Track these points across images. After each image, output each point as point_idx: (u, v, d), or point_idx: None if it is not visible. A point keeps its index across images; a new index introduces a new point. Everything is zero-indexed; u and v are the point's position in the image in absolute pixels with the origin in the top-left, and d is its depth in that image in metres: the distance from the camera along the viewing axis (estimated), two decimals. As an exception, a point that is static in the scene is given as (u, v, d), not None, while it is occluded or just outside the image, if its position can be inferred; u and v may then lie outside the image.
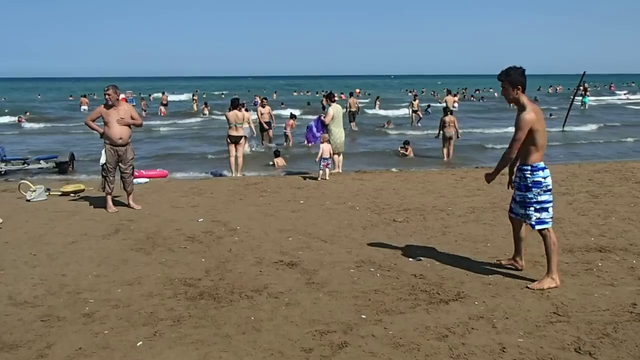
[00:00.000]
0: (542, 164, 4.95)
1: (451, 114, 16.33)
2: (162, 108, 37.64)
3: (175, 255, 6.21)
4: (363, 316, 4.47)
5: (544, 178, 4.94)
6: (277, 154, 15.58)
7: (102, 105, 8.50)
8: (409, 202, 8.86)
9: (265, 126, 19.20)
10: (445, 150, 16.20)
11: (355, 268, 5.67)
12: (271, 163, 15.37)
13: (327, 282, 5.28)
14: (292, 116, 21.54)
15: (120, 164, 8.53)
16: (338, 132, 12.51)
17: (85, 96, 44.83)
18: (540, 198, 4.94)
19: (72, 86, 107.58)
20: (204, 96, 49.44)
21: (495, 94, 53.93)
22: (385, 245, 6.47)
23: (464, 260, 5.86)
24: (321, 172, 11.59)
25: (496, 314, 4.47)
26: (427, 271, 5.53)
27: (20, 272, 5.69)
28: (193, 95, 48.39)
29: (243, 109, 13.08)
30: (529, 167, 4.93)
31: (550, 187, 4.98)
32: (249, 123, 13.56)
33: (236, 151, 12.80)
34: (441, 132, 16.02)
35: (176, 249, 6.42)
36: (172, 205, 8.86)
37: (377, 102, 37.87)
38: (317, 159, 11.80)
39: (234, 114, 12.65)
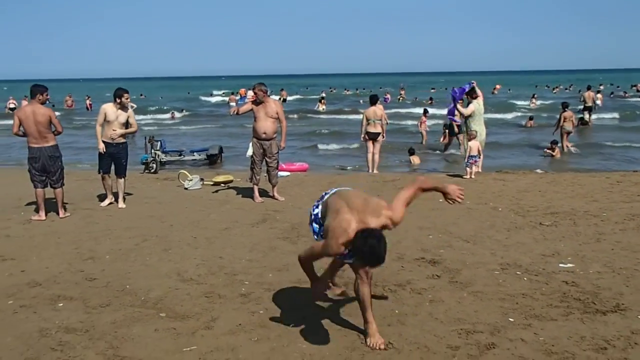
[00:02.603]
0: None
1: (591, 111, 15.64)
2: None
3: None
4: (511, 319, 4.40)
5: None
6: (412, 152, 15.50)
7: (250, 102, 9.04)
8: (557, 205, 8.46)
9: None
10: (564, 144, 16.19)
11: (500, 270, 5.57)
12: (407, 161, 15.38)
13: (470, 282, 5.25)
14: (425, 112, 21.16)
15: (266, 157, 8.99)
16: (480, 130, 12.23)
17: (233, 93, 47.56)
18: None
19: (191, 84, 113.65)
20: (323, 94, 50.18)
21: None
22: (531, 249, 6.26)
23: (622, 270, 5.51)
24: (468, 170, 11.40)
25: (664, 331, 4.18)
26: (580, 279, 5.28)
27: (185, 253, 6.27)
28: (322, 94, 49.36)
29: (380, 106, 13.07)
30: None
31: None
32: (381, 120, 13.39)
33: (373, 147, 12.83)
34: (559, 127, 16.24)
35: (311, 243, 6.67)
36: (313, 198, 9.07)
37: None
38: (465, 158, 11.66)
39: (372, 111, 12.65)
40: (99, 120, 8.57)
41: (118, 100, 8.47)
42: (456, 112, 12.63)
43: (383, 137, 12.94)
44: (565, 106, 17.00)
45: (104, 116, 8.48)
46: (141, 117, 31.09)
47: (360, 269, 4.02)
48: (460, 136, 15.11)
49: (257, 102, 8.83)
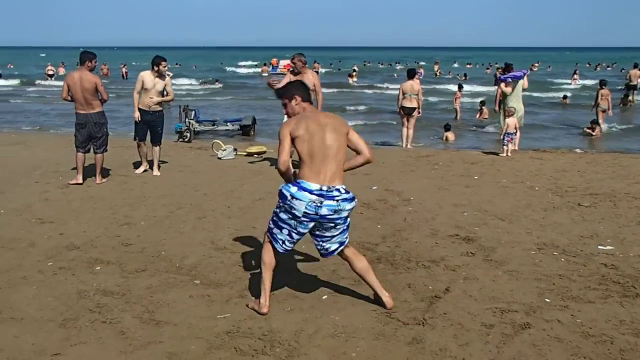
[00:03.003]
0: None
1: (635, 90, 15.13)
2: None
3: (352, 219, 6.42)
4: (547, 300, 4.33)
5: None
6: (447, 128, 15.28)
7: (290, 73, 8.98)
8: (597, 187, 8.26)
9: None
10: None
11: (536, 250, 5.49)
12: (442, 137, 15.20)
13: (506, 261, 5.18)
14: (460, 87, 20.73)
15: None
16: (518, 107, 12.03)
17: (265, 64, 47.52)
18: None
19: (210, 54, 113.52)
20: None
21: None
22: (569, 230, 6.14)
23: (665, 254, 5.37)
24: (505, 147, 11.22)
25: None
26: (620, 262, 5.15)
27: (219, 221, 6.32)
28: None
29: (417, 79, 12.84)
30: None
31: None
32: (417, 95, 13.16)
33: (407, 122, 12.68)
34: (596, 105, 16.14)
35: (353, 215, 6.63)
36: (347, 172, 9.14)
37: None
38: (501, 134, 11.48)
39: (409, 84, 12.45)
40: (136, 87, 8.60)
41: (156, 68, 8.49)
42: (498, 91, 12.47)
43: (419, 112, 12.76)
44: (602, 84, 16.62)
45: (142, 84, 8.51)
46: (175, 85, 31.30)
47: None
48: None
49: (294, 72, 8.79)
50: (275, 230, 4.02)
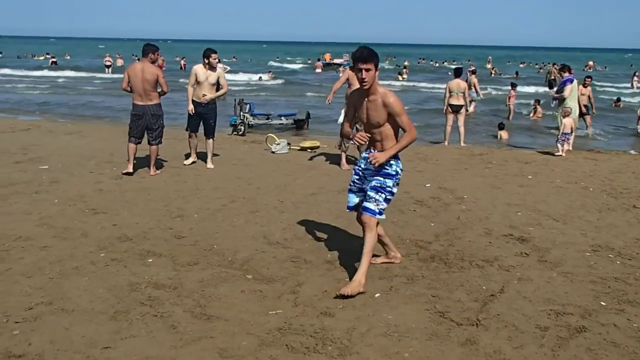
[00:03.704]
0: None
1: None
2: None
3: (405, 216, 6.43)
4: (602, 303, 4.24)
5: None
6: (501, 127, 15.12)
7: (348, 69, 9.00)
8: (653, 189, 8.05)
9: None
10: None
11: (591, 252, 5.38)
12: (496, 135, 15.00)
13: (560, 262, 5.09)
14: (513, 86, 20.28)
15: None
16: (574, 106, 11.85)
17: (319, 59, 47.76)
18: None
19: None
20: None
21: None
22: (624, 232, 6.02)
23: None
24: (560, 146, 11.07)
25: None
26: (680, 267, 5.02)
27: (271, 216, 6.37)
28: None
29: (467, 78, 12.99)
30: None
31: None
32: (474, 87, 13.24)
33: (456, 120, 12.75)
34: None
35: (406, 211, 6.63)
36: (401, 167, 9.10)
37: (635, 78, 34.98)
38: (558, 134, 11.33)
39: (456, 83, 12.65)
40: (190, 81, 8.78)
41: (206, 61, 8.64)
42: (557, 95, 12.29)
43: (467, 110, 12.95)
44: None
45: (195, 77, 8.68)
46: (231, 78, 31.85)
47: None
48: (587, 117, 14.97)
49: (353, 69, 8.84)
50: (386, 206, 4.50)
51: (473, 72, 20.11)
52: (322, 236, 5.67)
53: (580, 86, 14.14)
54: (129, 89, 8.18)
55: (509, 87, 20.15)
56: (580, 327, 3.85)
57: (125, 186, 7.61)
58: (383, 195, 4.46)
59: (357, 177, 4.69)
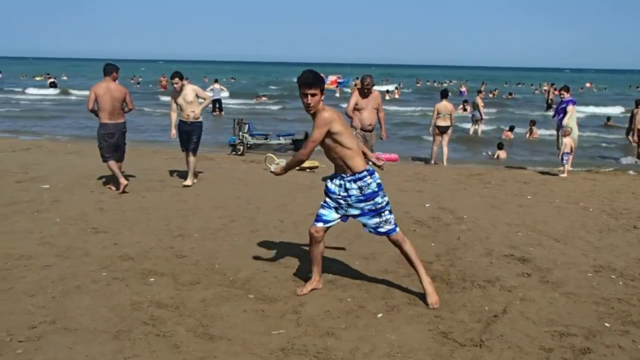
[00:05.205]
0: None
1: None
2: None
3: (405, 236, 6.41)
4: (606, 324, 4.23)
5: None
6: (500, 146, 15.27)
7: (357, 91, 9.04)
8: (653, 209, 8.11)
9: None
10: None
11: (593, 272, 5.38)
12: (492, 154, 15.11)
13: (562, 282, 5.09)
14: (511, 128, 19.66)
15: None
16: (574, 127, 11.97)
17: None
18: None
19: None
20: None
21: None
22: (626, 252, 6.04)
23: None
24: (564, 167, 11.25)
25: None
26: (679, 286, 5.04)
27: (272, 235, 6.36)
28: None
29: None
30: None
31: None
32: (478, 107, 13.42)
33: (442, 140, 13.09)
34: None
35: (406, 231, 6.58)
36: (399, 188, 9.13)
37: None
38: (559, 154, 11.48)
39: (443, 105, 12.97)
40: (172, 107, 8.99)
41: (173, 85, 8.81)
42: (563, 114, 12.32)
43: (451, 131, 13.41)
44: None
45: (174, 102, 8.91)
46: (230, 100, 32.13)
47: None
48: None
49: (363, 92, 8.87)
50: (393, 216, 4.58)
51: (478, 93, 20.40)
52: (323, 256, 5.64)
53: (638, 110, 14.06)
54: (96, 109, 8.17)
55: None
56: (585, 349, 3.84)
57: (126, 205, 7.61)
58: (385, 212, 4.48)
59: (330, 200, 4.59)
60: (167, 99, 30.60)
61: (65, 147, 13.65)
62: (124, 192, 8.20)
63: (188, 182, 8.95)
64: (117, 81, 8.43)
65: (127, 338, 3.88)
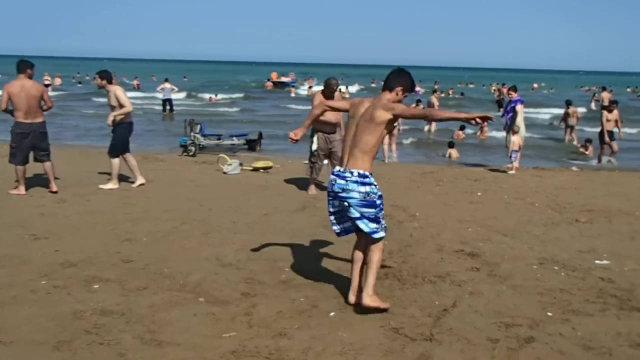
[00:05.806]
0: None
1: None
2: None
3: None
4: (549, 314, 4.40)
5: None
6: (451, 145, 15.47)
7: (321, 92, 8.62)
8: (593, 203, 8.49)
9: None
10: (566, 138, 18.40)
11: (538, 265, 5.58)
12: (444, 154, 15.36)
13: (509, 276, 5.25)
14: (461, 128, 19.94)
15: (331, 149, 8.53)
16: (522, 126, 12.34)
17: (269, 80, 48.19)
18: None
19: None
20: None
21: None
22: (568, 245, 6.29)
23: (658, 268, 5.46)
24: (513, 164, 11.53)
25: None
26: (616, 276, 5.30)
27: (224, 237, 6.28)
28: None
29: None
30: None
31: None
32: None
33: (389, 139, 13.71)
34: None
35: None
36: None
37: None
38: (509, 152, 11.75)
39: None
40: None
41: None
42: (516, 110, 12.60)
43: (399, 130, 14.46)
44: (568, 103, 18.54)
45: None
46: (181, 99, 31.76)
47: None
48: (614, 143, 14.55)
49: (326, 94, 8.45)
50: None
51: (433, 92, 20.79)
52: (276, 256, 5.62)
53: (605, 112, 14.42)
54: (10, 108, 7.84)
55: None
56: (529, 338, 3.96)
57: (69, 210, 7.31)
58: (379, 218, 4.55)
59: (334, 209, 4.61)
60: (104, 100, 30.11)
61: (1, 150, 13.03)
62: (18, 194, 7.89)
63: (108, 186, 8.63)
64: (33, 78, 8.04)
65: (68, 349, 3.71)
